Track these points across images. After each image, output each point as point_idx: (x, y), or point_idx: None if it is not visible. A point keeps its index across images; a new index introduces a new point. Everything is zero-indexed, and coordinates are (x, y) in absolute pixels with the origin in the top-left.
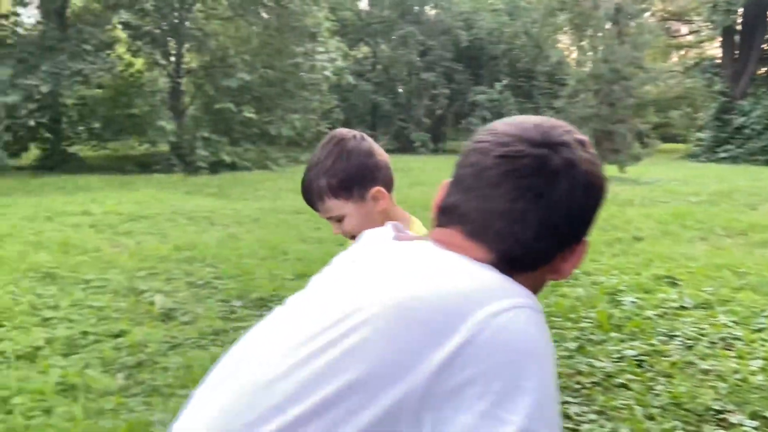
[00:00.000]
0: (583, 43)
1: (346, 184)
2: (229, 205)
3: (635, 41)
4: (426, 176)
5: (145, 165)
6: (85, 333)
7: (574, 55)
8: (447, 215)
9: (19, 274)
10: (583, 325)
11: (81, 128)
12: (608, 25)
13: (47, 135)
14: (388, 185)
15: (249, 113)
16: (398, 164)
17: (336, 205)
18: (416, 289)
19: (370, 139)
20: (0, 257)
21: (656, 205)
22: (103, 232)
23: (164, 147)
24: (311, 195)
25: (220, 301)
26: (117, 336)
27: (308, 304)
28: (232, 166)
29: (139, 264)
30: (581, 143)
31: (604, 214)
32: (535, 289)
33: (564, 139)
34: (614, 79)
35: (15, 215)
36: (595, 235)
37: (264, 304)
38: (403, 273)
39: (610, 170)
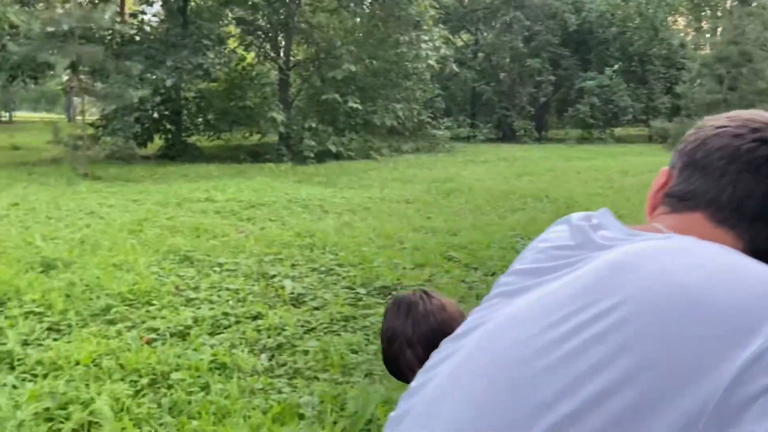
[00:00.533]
0: (703, 24)
1: (433, 348)
2: (339, 193)
3: (765, 20)
4: (533, 165)
5: (256, 154)
6: (226, 314)
7: (690, 37)
8: (688, 200)
9: (160, 256)
10: None
11: (199, 120)
12: (729, 3)
13: (169, 126)
14: None
15: (354, 103)
16: (502, 153)
17: None
18: (695, 281)
19: (435, 292)
20: (142, 240)
21: None
22: (227, 218)
23: (274, 137)
24: (400, 365)
25: (345, 287)
26: (255, 318)
27: (556, 294)
28: (337, 156)
29: (265, 249)
30: None
31: None
32: None
33: None
34: (742, 62)
35: (149, 201)
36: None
37: (388, 293)
38: (670, 263)
39: None
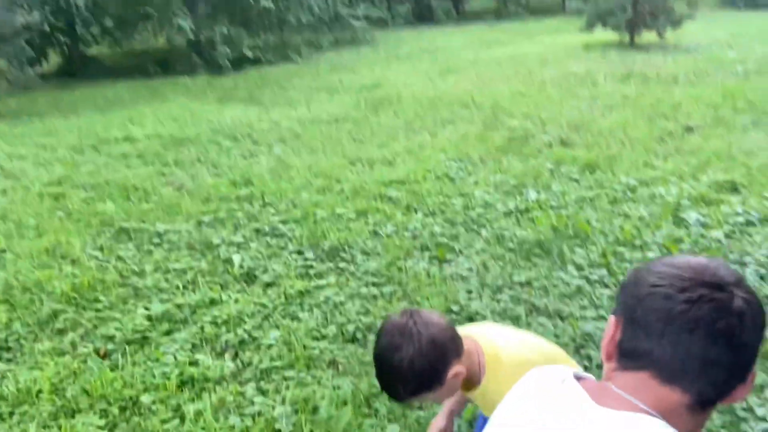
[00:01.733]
0: None
1: (426, 386)
2: (265, 115)
3: None
4: (455, 59)
5: (166, 65)
6: (179, 306)
7: None
8: (636, 360)
9: (94, 231)
10: (651, 254)
11: (95, 29)
12: None
13: (64, 39)
14: (459, 350)
15: (265, 2)
16: (423, 42)
17: (421, 398)
18: None
19: (425, 315)
20: (68, 210)
21: (703, 82)
22: (152, 164)
23: (182, 42)
24: (398, 397)
25: (293, 252)
26: (210, 305)
27: None
28: (255, 62)
29: (202, 207)
30: (741, 280)
31: (650, 100)
32: (707, 418)
33: (731, 280)
34: None
35: (61, 145)
36: (644, 129)
37: (337, 255)
38: None
39: (649, 38)
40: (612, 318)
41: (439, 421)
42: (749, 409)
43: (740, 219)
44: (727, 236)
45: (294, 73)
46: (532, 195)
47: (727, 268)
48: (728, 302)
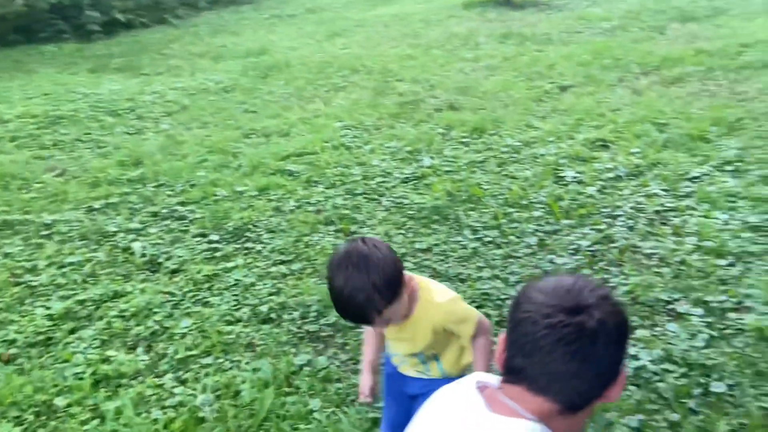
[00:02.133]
0: None
1: (396, 292)
2: (147, 86)
3: None
4: (341, 20)
5: (28, 31)
6: (81, 302)
7: None
8: (514, 375)
9: None
10: (536, 213)
11: None
12: None
13: None
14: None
15: None
16: (306, 1)
17: (390, 311)
18: None
19: (367, 238)
20: None
21: (573, 40)
22: (29, 146)
23: (45, 6)
24: (369, 316)
25: (197, 236)
26: (114, 298)
27: None
28: (128, 25)
29: (91, 193)
30: (605, 298)
31: (527, 60)
32: (588, 415)
33: (592, 301)
34: None
35: None
36: (523, 90)
37: (242, 235)
38: None
39: None
40: (501, 336)
41: (366, 378)
42: None
43: (611, 174)
44: (599, 192)
45: (173, 38)
46: (427, 161)
47: (591, 290)
48: (583, 325)
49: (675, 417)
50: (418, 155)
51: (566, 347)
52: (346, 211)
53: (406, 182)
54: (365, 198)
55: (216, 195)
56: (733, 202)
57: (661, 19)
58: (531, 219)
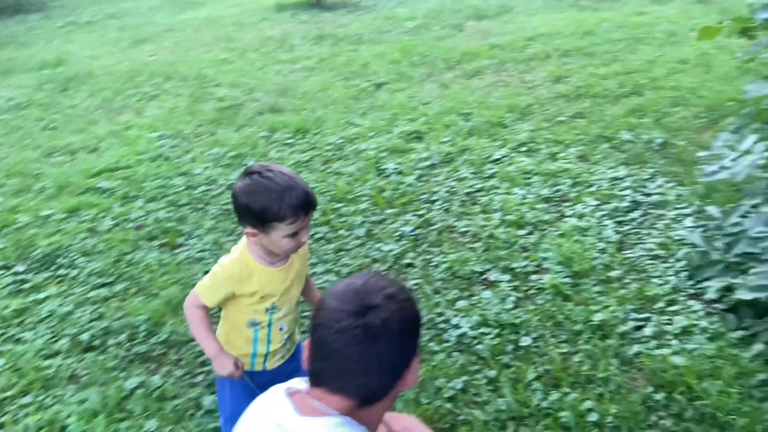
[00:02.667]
0: None
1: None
2: None
3: None
4: (147, 25)
5: None
6: None
7: None
8: (316, 378)
9: None
10: (363, 206)
11: None
12: None
13: None
14: None
15: None
16: (106, 6)
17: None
18: None
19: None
20: None
21: (384, 39)
22: None
23: None
24: (314, 206)
25: (0, 269)
26: None
27: None
28: None
29: None
30: (391, 297)
31: (343, 60)
32: (392, 401)
33: (377, 302)
34: None
35: None
36: (341, 89)
37: (52, 262)
38: None
39: None
40: (306, 341)
41: (226, 356)
42: (447, 321)
43: (426, 163)
44: (417, 180)
45: None
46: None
47: (378, 290)
48: (367, 327)
49: (492, 374)
50: (242, 160)
51: (354, 348)
52: (171, 224)
53: (232, 188)
54: (190, 208)
55: (17, 222)
56: (529, 178)
57: (459, 18)
58: (358, 212)
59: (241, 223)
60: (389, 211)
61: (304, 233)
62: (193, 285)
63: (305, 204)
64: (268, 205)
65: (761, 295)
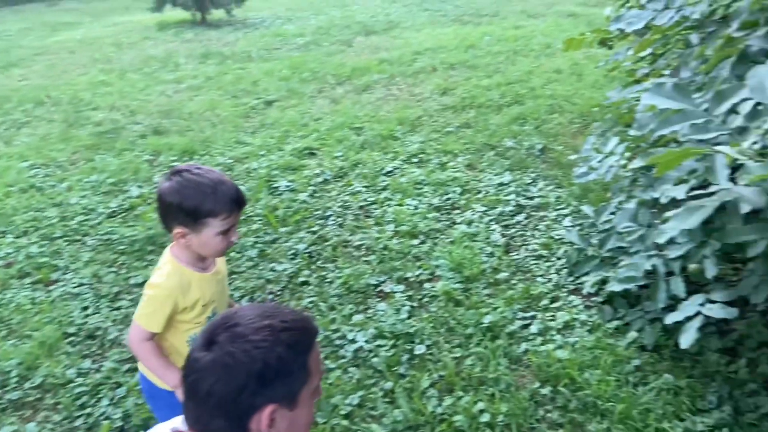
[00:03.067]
0: None
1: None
2: None
3: None
4: (15, 49)
5: None
6: None
7: None
8: (188, 420)
9: None
10: (255, 226)
11: None
12: None
13: None
14: None
15: None
16: None
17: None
18: None
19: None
20: None
21: (273, 56)
22: None
23: None
24: (245, 202)
25: None
26: None
27: None
28: None
29: None
30: (235, 337)
31: (231, 78)
32: None
33: (219, 339)
34: None
35: None
36: (229, 108)
37: None
38: None
39: (218, 14)
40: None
41: (174, 372)
42: (343, 336)
43: (319, 179)
44: (310, 196)
45: None
46: (135, 191)
47: (226, 326)
48: (199, 362)
49: (388, 385)
50: (124, 186)
51: (195, 386)
52: (44, 259)
53: (113, 216)
54: (66, 241)
55: None
56: (420, 189)
57: (348, 34)
58: (250, 232)
59: (168, 225)
60: (283, 229)
61: (234, 232)
62: (71, 323)
63: (238, 199)
64: (202, 201)
65: (629, 285)
